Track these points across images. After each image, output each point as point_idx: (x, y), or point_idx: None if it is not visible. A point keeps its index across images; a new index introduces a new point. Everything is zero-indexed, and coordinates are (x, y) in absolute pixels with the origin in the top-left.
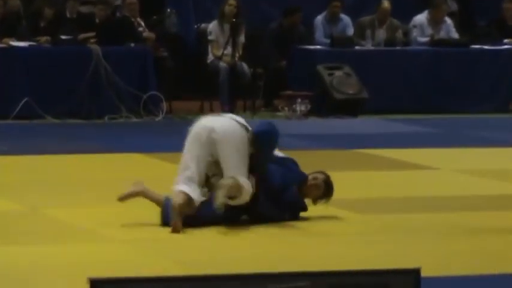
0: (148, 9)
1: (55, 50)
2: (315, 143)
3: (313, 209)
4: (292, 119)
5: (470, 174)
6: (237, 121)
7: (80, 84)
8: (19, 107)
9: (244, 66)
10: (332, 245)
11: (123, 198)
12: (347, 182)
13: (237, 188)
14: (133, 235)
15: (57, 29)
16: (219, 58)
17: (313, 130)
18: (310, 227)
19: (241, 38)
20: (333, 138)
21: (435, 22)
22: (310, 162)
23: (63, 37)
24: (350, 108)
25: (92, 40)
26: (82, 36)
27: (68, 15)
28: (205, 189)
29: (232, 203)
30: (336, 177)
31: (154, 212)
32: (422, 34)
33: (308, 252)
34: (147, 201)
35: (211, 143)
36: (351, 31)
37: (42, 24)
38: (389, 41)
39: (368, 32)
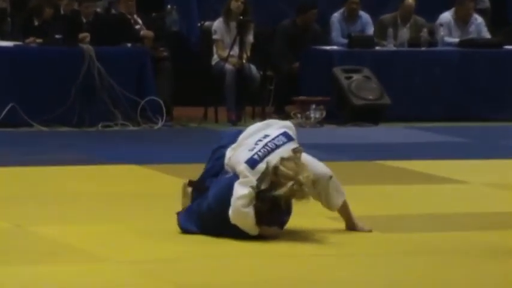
0: (147, 5)
1: (44, 51)
2: (330, 154)
3: (329, 226)
4: (305, 127)
5: (503, 188)
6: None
7: (71, 88)
8: (3, 113)
9: (253, 68)
10: (351, 267)
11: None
12: (367, 197)
13: None
14: (130, 256)
15: (51, 29)
16: (225, 60)
17: (329, 139)
18: (326, 247)
19: (250, 38)
20: (351, 148)
21: (462, 21)
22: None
23: (57, 36)
24: (370, 115)
25: (86, 40)
26: (82, 36)
27: (62, 13)
28: None
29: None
30: (354, 192)
31: (153, 231)
32: (450, 34)
33: (324, 276)
34: (145, 218)
35: None
36: (370, 30)
37: (36, 23)
38: (414, 41)
39: (390, 31)
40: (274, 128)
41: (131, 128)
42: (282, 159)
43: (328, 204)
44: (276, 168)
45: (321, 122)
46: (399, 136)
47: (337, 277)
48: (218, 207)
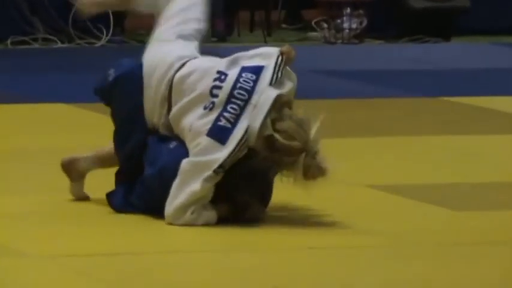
0: None
1: None
2: (374, 86)
3: (367, 197)
4: (335, 44)
5: None
6: None
7: None
8: None
9: None
10: (397, 264)
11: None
12: (431, 154)
13: None
14: (51, 248)
15: None
16: None
17: (373, 63)
18: (359, 235)
19: None
20: (407, 77)
21: None
22: (367, 118)
23: None
24: (437, 25)
25: None
26: None
27: None
28: None
29: None
30: (413, 144)
31: (82, 208)
32: None
33: (354, 279)
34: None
35: None
36: None
37: None
38: None
39: None
40: (216, 59)
41: (59, 45)
42: (275, 122)
43: None
44: (270, 138)
45: (360, 36)
46: (482, 58)
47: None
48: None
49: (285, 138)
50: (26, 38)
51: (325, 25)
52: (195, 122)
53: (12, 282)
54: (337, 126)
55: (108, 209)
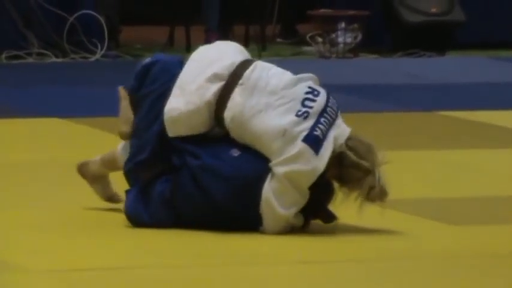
0: None
1: None
2: (369, 100)
3: (362, 216)
4: (330, 58)
5: None
6: None
7: None
8: None
9: None
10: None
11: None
12: (429, 169)
13: None
14: (58, 264)
15: None
16: None
17: (368, 77)
18: (356, 247)
19: None
20: (402, 91)
21: None
22: (362, 132)
23: None
24: (432, 39)
25: None
26: None
27: None
28: None
29: None
30: (407, 160)
31: (84, 221)
32: None
33: None
34: (70, 203)
35: None
36: None
37: None
38: None
39: None
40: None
41: (53, 59)
42: (349, 140)
43: None
44: (342, 155)
45: (355, 51)
46: (477, 72)
47: None
48: (231, 207)
49: (355, 156)
50: (20, 53)
51: (320, 39)
52: (290, 128)
53: None
54: None
55: (112, 219)
